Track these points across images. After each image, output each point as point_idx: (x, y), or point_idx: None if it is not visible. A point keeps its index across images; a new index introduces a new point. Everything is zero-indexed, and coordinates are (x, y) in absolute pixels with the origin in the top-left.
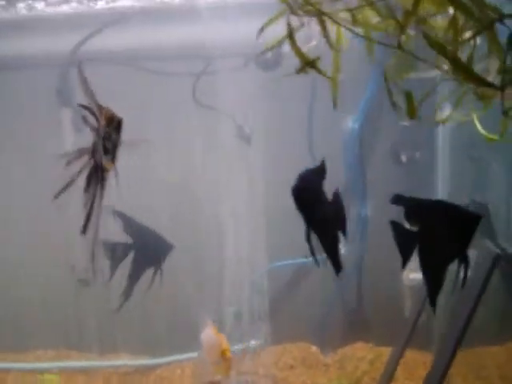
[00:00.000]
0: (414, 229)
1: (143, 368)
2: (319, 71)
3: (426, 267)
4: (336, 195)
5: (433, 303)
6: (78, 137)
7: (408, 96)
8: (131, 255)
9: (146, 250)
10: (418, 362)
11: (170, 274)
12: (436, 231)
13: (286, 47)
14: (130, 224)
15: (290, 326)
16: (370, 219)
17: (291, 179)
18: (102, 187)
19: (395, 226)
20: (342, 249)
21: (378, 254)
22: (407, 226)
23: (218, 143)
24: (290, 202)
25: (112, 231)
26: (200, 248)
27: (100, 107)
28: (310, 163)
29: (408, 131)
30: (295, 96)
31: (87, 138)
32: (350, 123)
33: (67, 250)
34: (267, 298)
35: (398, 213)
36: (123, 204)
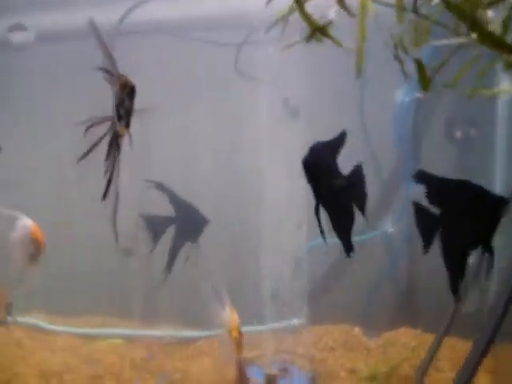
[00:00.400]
0: (436, 211)
1: (184, 340)
2: (331, 38)
3: (446, 253)
4: (356, 170)
5: (454, 291)
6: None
7: (419, 65)
8: (171, 229)
9: (186, 224)
10: (466, 353)
11: (212, 247)
12: (459, 215)
13: (332, 14)
14: (170, 197)
15: (333, 306)
16: (421, 198)
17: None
18: (118, 154)
19: (417, 207)
20: (391, 228)
21: None
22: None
23: (263, 115)
24: None
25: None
26: (242, 222)
27: (118, 74)
28: (360, 137)
29: (464, 105)
30: (345, 67)
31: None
32: (401, 95)
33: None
34: (311, 275)
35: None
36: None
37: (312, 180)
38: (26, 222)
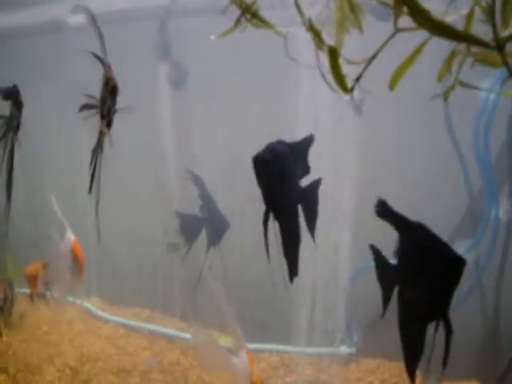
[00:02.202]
0: (394, 261)
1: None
2: (263, 21)
3: (402, 320)
4: (314, 184)
5: (410, 373)
6: (174, 94)
7: (332, 54)
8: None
9: (213, 226)
10: None
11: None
12: (415, 270)
13: None
14: (202, 193)
15: (394, 340)
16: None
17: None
18: (100, 151)
19: (376, 253)
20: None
21: None
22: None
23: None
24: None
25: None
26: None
27: (107, 68)
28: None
29: None
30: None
31: (183, 95)
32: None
33: (163, 214)
34: (369, 299)
35: None
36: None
37: (262, 182)
38: (70, 237)
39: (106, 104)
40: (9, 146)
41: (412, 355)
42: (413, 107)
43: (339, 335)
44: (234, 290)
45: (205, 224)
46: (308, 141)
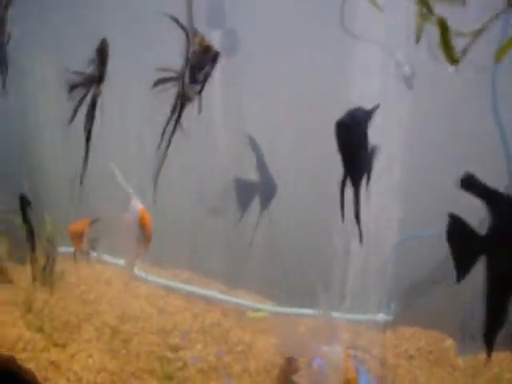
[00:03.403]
0: (482, 232)
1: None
2: None
3: (489, 289)
4: (375, 150)
5: (488, 341)
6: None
7: (442, 28)
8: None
9: (266, 190)
10: None
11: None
12: (507, 240)
13: None
14: (258, 158)
15: (430, 309)
16: None
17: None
18: (180, 115)
19: (454, 221)
20: None
21: None
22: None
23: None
24: None
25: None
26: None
27: (195, 32)
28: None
29: None
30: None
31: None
32: None
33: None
34: (408, 270)
35: None
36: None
37: (343, 147)
38: (137, 206)
39: (204, 70)
40: (91, 99)
41: (495, 324)
42: (459, 89)
43: (378, 302)
44: (274, 255)
45: (258, 189)
46: (374, 109)
